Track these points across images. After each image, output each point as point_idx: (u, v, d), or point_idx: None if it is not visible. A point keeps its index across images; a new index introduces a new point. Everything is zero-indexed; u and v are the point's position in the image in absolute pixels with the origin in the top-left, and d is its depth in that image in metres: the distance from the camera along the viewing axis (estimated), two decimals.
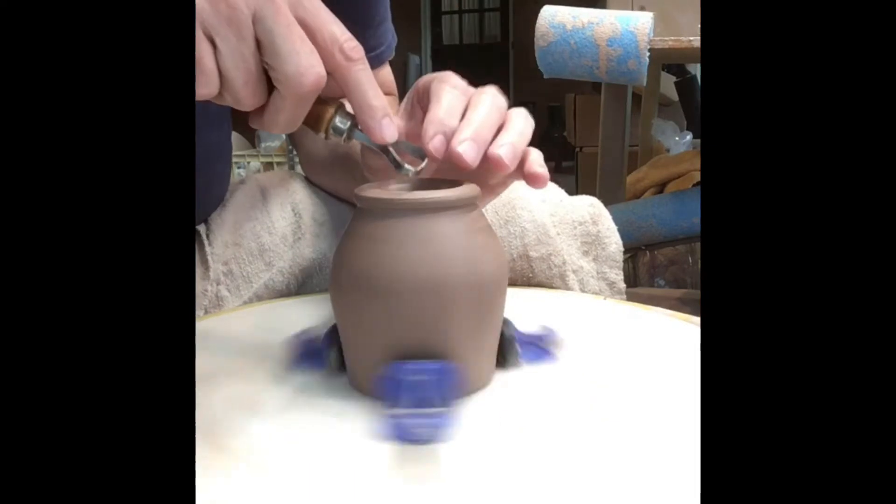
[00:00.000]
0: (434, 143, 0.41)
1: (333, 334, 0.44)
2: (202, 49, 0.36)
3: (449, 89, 0.43)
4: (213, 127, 0.61)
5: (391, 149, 0.42)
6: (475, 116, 0.41)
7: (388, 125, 0.40)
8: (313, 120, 0.42)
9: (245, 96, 0.38)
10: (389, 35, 0.68)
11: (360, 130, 0.41)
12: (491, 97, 0.43)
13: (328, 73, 0.39)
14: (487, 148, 0.41)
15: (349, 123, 0.42)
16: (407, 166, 0.42)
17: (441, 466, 0.34)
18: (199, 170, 0.55)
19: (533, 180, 0.43)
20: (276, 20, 0.37)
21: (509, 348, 0.44)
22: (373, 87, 0.40)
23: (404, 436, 0.36)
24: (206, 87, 0.37)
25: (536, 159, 0.43)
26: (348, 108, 0.41)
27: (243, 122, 0.43)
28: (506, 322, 0.44)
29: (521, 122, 0.43)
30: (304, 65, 0.37)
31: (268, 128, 0.41)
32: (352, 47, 0.39)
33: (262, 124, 0.40)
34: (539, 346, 0.46)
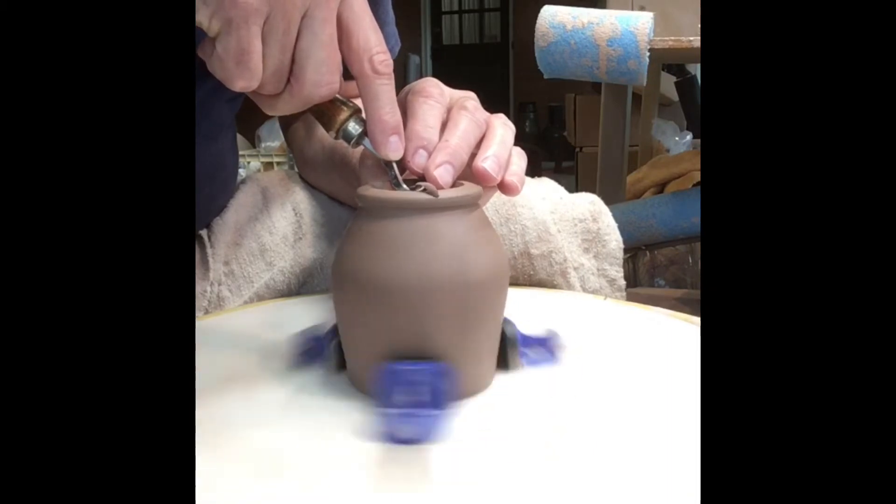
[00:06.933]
0: (416, 160, 0.41)
1: (335, 332, 0.44)
2: (254, 46, 0.37)
3: (423, 101, 0.43)
4: (217, 137, 0.61)
5: (395, 165, 0.42)
6: (452, 138, 0.42)
7: (396, 142, 0.41)
8: (327, 119, 0.42)
9: (268, 83, 0.39)
10: (392, 40, 0.68)
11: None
12: (469, 113, 0.43)
13: (354, 77, 0.40)
14: (471, 162, 0.42)
15: (360, 130, 0.42)
16: (404, 185, 0.42)
17: (428, 469, 0.34)
18: (205, 179, 0.55)
19: (504, 188, 0.43)
20: (322, 27, 0.38)
21: (511, 350, 0.44)
22: (390, 103, 0.41)
23: (392, 436, 0.36)
24: (246, 80, 0.38)
25: (515, 170, 0.44)
26: (363, 114, 0.42)
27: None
28: (508, 323, 0.44)
29: (502, 131, 0.44)
30: (325, 79, 0.39)
31: (265, 107, 0.41)
32: (381, 60, 0.40)
33: (261, 102, 0.41)
34: (543, 349, 0.46)
